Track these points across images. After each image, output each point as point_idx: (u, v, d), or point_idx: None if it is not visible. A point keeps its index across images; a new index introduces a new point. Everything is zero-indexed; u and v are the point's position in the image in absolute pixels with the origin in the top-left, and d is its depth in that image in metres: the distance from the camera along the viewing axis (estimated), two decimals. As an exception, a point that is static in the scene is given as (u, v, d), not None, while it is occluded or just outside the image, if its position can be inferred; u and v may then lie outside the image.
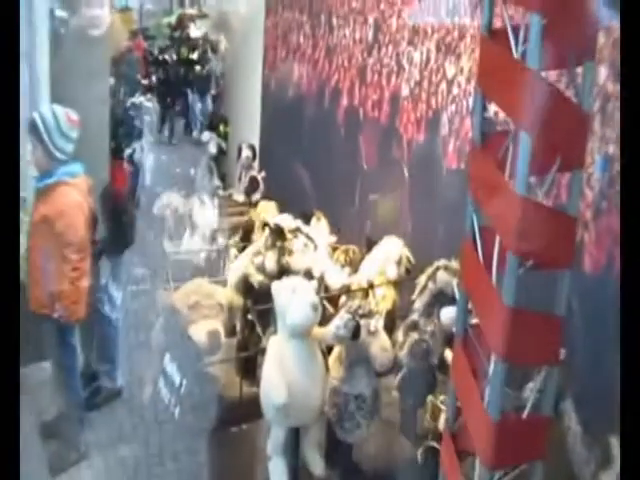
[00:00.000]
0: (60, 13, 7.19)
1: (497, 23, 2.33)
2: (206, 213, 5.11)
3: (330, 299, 4.23)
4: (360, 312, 3.62)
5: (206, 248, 5.12)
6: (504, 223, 1.93)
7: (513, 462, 2.02)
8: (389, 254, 4.43)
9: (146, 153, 6.86)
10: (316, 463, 3.53)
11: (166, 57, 8.71)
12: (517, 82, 1.90)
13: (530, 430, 2.01)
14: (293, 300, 3.37)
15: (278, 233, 4.14)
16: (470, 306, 2.17)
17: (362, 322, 3.54)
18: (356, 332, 3.44)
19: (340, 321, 3.43)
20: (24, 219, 5.09)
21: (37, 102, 5.98)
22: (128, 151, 7.25)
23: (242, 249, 4.69)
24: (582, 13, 1.92)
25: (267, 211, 4.86)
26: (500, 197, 1.93)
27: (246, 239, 4.79)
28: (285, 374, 3.36)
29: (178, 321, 4.05)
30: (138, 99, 7.33)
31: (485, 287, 1.99)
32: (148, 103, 7.40)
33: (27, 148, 4.92)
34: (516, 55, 1.98)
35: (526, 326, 1.91)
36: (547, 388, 2.04)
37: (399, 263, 4.40)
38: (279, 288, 3.47)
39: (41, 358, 5.10)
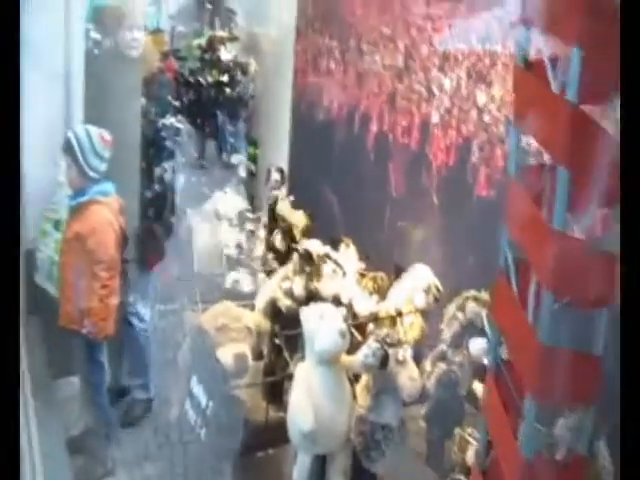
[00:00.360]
0: (95, 35, 7.33)
1: (531, 53, 2.33)
2: (232, 202, 5.12)
3: (358, 326, 4.21)
4: (388, 341, 3.61)
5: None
6: (540, 259, 1.91)
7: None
8: (417, 282, 4.40)
9: (176, 174, 6.90)
10: None
11: (197, 79, 8.81)
12: (556, 116, 1.89)
13: (565, 471, 1.97)
14: (321, 326, 3.37)
15: (307, 258, 4.14)
16: (502, 341, 2.14)
17: (390, 351, 3.53)
18: (384, 361, 3.42)
19: (369, 350, 3.41)
20: (57, 237, 5.17)
21: (72, 122, 6.07)
22: (158, 171, 7.31)
23: (269, 272, 4.70)
24: (614, 44, 1.90)
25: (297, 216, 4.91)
26: (536, 232, 1.91)
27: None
28: (312, 401, 3.36)
29: (205, 343, 4.05)
30: (169, 120, 7.39)
31: (519, 323, 1.97)
32: (179, 124, 7.45)
33: (61, 168, 5.00)
34: (554, 88, 1.97)
35: (562, 365, 1.87)
36: (583, 428, 2.00)
37: (427, 292, 4.37)
38: (308, 314, 3.48)
39: (70, 373, 5.15)
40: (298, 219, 4.89)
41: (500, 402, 2.08)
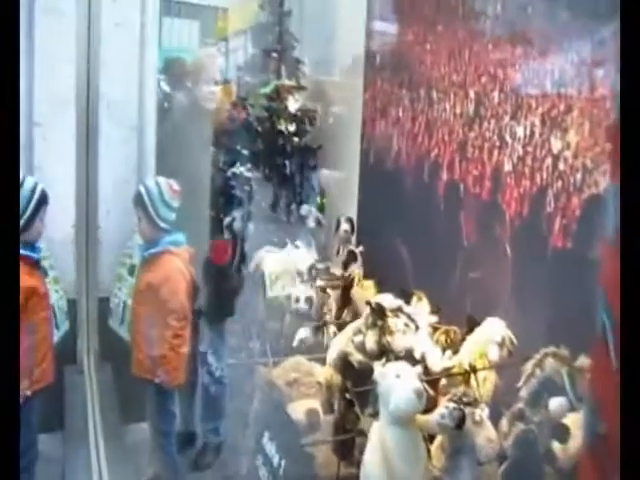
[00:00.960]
0: (165, 87, 7.58)
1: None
2: (302, 255, 5.14)
3: (430, 382, 4.12)
4: (465, 400, 3.50)
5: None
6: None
7: None
8: (491, 335, 4.30)
9: (246, 222, 6.98)
10: None
11: (265, 128, 8.97)
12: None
13: None
14: (397, 386, 3.30)
15: (379, 312, 4.10)
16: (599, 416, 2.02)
17: (467, 410, 3.43)
18: (461, 422, 3.32)
19: (445, 410, 3.32)
20: (131, 282, 5.28)
21: (144, 175, 6.25)
22: (227, 220, 7.42)
23: (340, 326, 4.66)
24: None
25: (366, 290, 4.84)
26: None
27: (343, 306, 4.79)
28: (386, 461, 3.27)
29: (276, 397, 4.02)
30: (239, 169, 7.53)
31: (617, 395, 1.86)
32: (248, 173, 7.58)
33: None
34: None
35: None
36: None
37: (501, 345, 4.27)
38: (382, 373, 3.41)
39: (141, 419, 5.20)
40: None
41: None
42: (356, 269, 5.58)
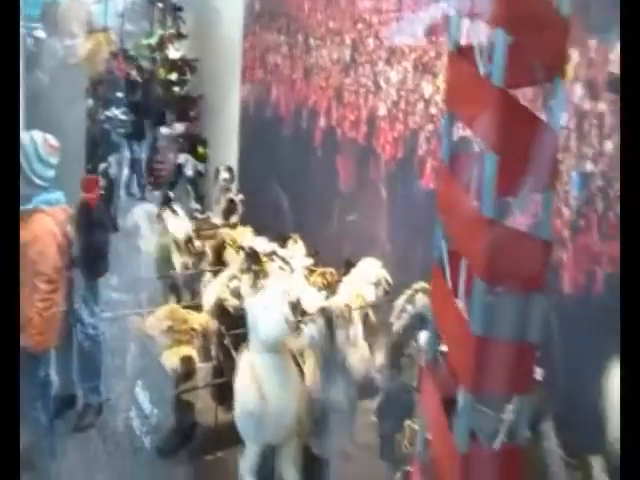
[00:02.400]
0: (40, 34, 7.12)
1: (467, 41, 2.29)
2: (179, 223, 5.00)
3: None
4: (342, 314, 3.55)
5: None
6: (470, 246, 1.87)
7: (485, 495, 1.94)
8: (366, 276, 4.37)
9: (121, 167, 6.73)
10: (292, 478, 3.44)
11: (145, 78, 8.63)
12: (482, 99, 1.85)
13: (502, 462, 1.93)
14: (266, 314, 3.28)
15: (253, 257, 4.07)
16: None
17: (341, 331, 3.46)
18: (330, 324, 3.35)
19: (312, 327, 3.35)
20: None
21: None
22: (103, 165, 7.11)
23: (215, 273, 4.61)
24: (548, 29, 1.88)
25: (242, 235, 4.79)
26: (465, 219, 1.87)
27: (218, 262, 4.72)
28: (257, 387, 3.27)
29: (151, 347, 3.95)
30: (113, 112, 7.22)
31: (452, 315, 1.92)
32: (123, 116, 7.28)
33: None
34: (482, 72, 1.93)
35: (495, 355, 1.83)
36: (520, 417, 1.96)
37: (377, 285, 4.35)
38: (252, 303, 3.38)
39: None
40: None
41: (437, 395, 2.04)
42: (235, 218, 5.51)
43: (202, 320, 4.10)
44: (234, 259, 4.62)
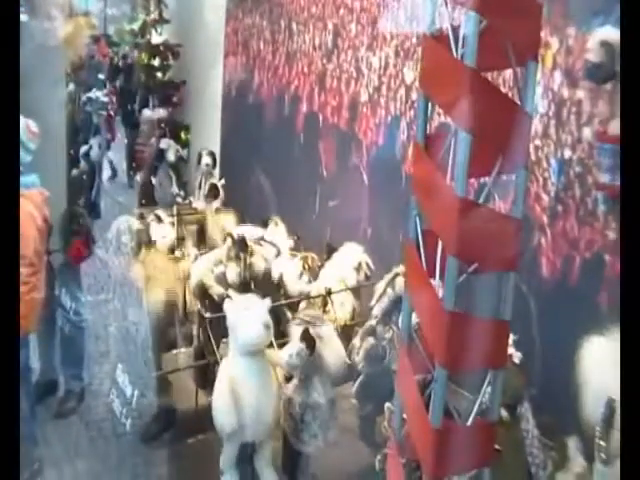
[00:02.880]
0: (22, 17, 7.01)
1: (443, 24, 2.31)
2: (163, 232, 4.96)
3: (290, 305, 4.19)
4: (309, 320, 3.58)
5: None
6: (443, 225, 1.89)
7: (458, 470, 1.98)
8: (348, 260, 4.40)
9: (103, 151, 6.66)
10: (269, 478, 3.48)
11: (128, 63, 8.59)
12: (455, 80, 1.87)
13: (475, 437, 1.96)
14: (245, 318, 3.29)
15: (241, 244, 4.08)
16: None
17: (313, 330, 3.49)
18: (312, 347, 3.38)
19: (292, 349, 3.36)
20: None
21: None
22: (84, 148, 7.06)
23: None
24: (521, 12, 1.89)
25: (225, 220, 4.80)
26: (439, 198, 1.89)
27: (202, 244, 4.73)
28: (237, 394, 3.28)
29: (133, 294, 3.94)
30: (95, 94, 7.16)
31: (426, 292, 1.95)
32: (105, 98, 7.22)
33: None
34: (456, 55, 1.95)
35: (468, 331, 1.87)
36: (494, 394, 2.00)
37: (358, 269, 4.38)
38: (231, 306, 3.38)
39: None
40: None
41: (412, 373, 2.07)
42: (218, 203, 5.51)
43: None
44: (219, 244, 4.64)
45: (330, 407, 3.52)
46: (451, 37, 1.98)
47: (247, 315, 3.32)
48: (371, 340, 3.76)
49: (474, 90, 1.83)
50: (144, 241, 4.70)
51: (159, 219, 4.82)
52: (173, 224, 4.98)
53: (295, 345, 3.39)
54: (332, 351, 3.54)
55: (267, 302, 3.45)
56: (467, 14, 1.84)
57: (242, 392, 3.28)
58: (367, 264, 4.40)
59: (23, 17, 6.96)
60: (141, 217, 5.06)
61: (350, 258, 4.42)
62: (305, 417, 3.45)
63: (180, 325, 4.21)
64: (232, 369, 3.35)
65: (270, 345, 3.52)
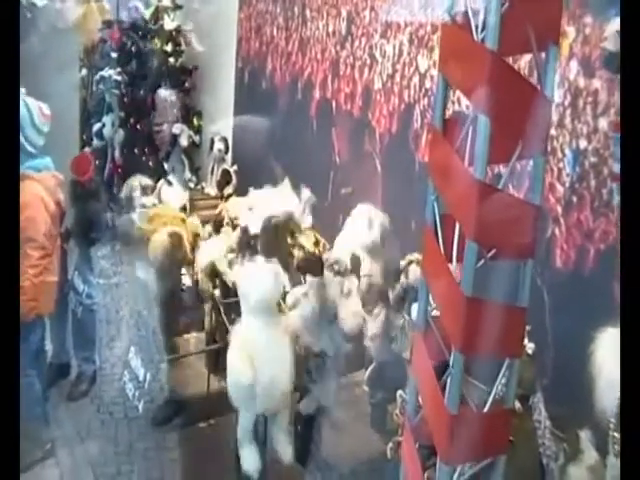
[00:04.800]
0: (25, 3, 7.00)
1: (460, 8, 2.29)
2: (174, 193, 4.95)
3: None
4: (336, 268, 3.53)
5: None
6: (462, 210, 1.88)
7: (473, 457, 1.97)
8: (360, 220, 4.27)
9: (116, 128, 6.64)
10: (285, 450, 3.46)
11: (140, 48, 8.57)
12: (475, 64, 1.86)
13: (491, 424, 1.96)
14: (254, 273, 3.28)
15: (249, 235, 4.08)
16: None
17: (336, 280, 3.46)
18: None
19: (307, 304, 3.34)
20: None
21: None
22: (97, 126, 7.06)
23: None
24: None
25: (238, 206, 4.77)
26: (458, 183, 1.88)
27: (217, 233, 4.71)
28: (251, 358, 3.26)
29: (147, 318, 3.96)
30: (107, 72, 7.15)
31: (444, 277, 1.94)
32: (117, 76, 7.21)
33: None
34: (477, 38, 1.93)
35: (486, 317, 1.86)
36: (510, 381, 2.00)
37: (371, 227, 4.23)
38: (241, 271, 3.37)
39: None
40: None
41: (428, 359, 2.07)
42: (230, 189, 5.51)
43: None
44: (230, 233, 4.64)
45: (336, 361, 3.50)
46: (472, 20, 1.96)
47: (255, 269, 3.32)
48: (384, 327, 3.75)
49: (495, 74, 1.81)
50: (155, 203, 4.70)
51: (169, 183, 4.83)
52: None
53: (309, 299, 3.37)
54: (350, 307, 3.50)
55: (277, 265, 3.41)
56: (489, -3, 1.82)
57: (256, 355, 3.25)
58: (380, 222, 4.26)
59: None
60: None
61: (361, 216, 4.29)
62: (309, 363, 3.45)
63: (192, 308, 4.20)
64: (246, 334, 3.33)
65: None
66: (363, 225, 4.13)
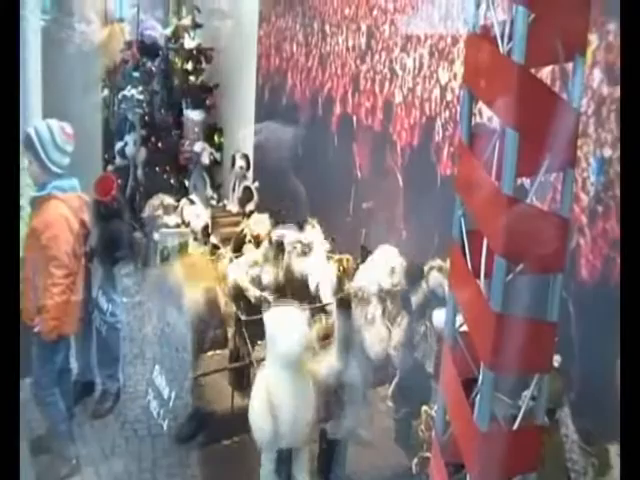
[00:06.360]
0: (57, 22, 7.11)
1: (486, 21, 2.28)
2: (196, 211, 4.96)
3: (324, 309, 4.16)
4: (359, 295, 3.53)
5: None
6: (490, 225, 1.86)
7: (503, 475, 1.93)
8: (383, 264, 4.34)
9: (138, 147, 6.67)
10: None
11: (161, 68, 8.65)
12: (503, 77, 1.84)
13: (521, 441, 1.93)
14: (284, 329, 3.26)
15: (279, 247, 4.07)
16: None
17: (359, 309, 3.44)
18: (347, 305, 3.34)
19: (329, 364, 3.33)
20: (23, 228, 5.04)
21: (29, 116, 5.91)
22: (119, 144, 7.12)
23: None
24: (570, 6, 1.86)
25: (260, 224, 4.78)
26: (486, 198, 1.86)
27: (238, 250, 4.72)
28: (273, 405, 3.26)
29: (173, 291, 3.94)
30: (130, 91, 7.22)
31: (473, 293, 1.92)
32: (140, 95, 7.28)
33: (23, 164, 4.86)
34: (503, 51, 1.92)
35: (515, 333, 1.83)
36: (539, 397, 1.96)
37: (393, 273, 4.30)
38: (271, 317, 3.35)
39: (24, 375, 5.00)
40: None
41: (456, 375, 2.04)
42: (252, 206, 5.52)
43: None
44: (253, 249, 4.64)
45: (366, 389, 3.47)
46: (497, 33, 1.95)
47: (286, 327, 3.28)
48: (406, 334, 3.71)
49: (522, 87, 1.80)
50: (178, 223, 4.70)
51: (191, 202, 4.83)
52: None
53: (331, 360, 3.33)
54: (375, 334, 3.49)
55: (306, 313, 3.41)
56: (516, 9, 1.81)
57: (279, 403, 3.25)
58: (403, 267, 4.33)
59: (60, 22, 7.05)
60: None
61: (385, 261, 4.36)
62: (339, 394, 3.41)
63: (215, 328, 4.21)
64: (270, 379, 3.31)
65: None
66: (386, 271, 4.16)
